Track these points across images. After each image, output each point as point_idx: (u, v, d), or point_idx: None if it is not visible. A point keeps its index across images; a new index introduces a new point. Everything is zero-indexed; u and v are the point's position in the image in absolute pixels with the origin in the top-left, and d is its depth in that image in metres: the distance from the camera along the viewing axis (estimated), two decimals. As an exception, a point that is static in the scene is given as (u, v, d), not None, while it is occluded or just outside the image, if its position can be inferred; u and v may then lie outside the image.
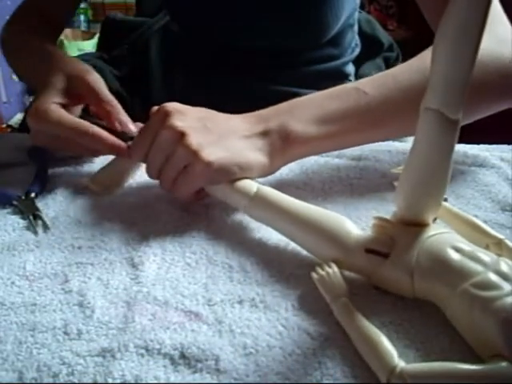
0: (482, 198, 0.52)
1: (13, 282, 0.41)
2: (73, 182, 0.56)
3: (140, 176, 0.56)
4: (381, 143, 0.62)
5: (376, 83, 0.52)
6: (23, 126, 0.84)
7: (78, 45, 2.61)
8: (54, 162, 0.59)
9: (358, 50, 0.82)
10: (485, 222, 0.43)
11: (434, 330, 0.36)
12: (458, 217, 0.43)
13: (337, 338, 0.35)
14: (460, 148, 0.61)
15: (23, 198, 0.52)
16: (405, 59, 0.55)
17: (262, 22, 0.71)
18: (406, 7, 2.47)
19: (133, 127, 0.55)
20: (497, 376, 0.30)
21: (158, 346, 0.35)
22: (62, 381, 0.33)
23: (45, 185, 0.55)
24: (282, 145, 0.49)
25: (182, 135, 0.46)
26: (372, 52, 0.86)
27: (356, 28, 0.81)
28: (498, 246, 0.40)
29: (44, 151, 0.59)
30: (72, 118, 0.54)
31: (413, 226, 0.39)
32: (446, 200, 0.44)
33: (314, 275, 0.38)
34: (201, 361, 0.34)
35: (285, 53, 0.74)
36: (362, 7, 0.83)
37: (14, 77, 2.11)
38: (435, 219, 0.41)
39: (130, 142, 0.53)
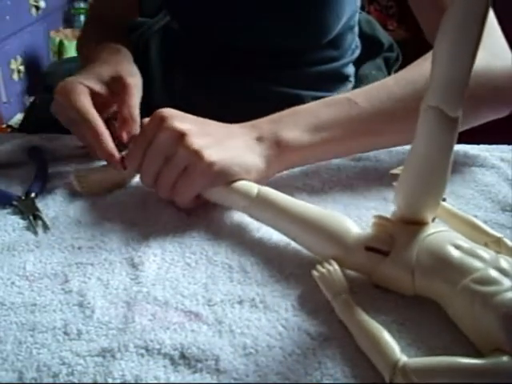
0: (482, 198, 0.52)
1: (13, 282, 0.41)
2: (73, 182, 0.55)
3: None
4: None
5: (368, 94, 0.53)
6: (23, 126, 0.84)
7: (78, 45, 2.60)
8: (54, 162, 0.59)
9: (358, 52, 0.82)
10: (485, 222, 0.44)
11: (436, 328, 0.36)
12: (457, 216, 0.43)
13: (337, 338, 0.35)
14: (460, 148, 0.61)
15: (23, 198, 0.52)
16: (405, 59, 0.55)
17: (262, 22, 0.71)
18: (406, 7, 2.45)
19: None
20: (498, 370, 0.31)
21: (157, 346, 0.35)
22: (61, 381, 0.33)
23: (45, 185, 0.55)
24: (277, 151, 0.50)
25: (182, 136, 0.46)
26: (372, 52, 0.86)
27: (356, 30, 0.81)
28: (497, 244, 0.40)
29: (44, 151, 0.59)
30: (89, 106, 0.54)
31: (412, 224, 0.39)
32: (444, 200, 0.44)
33: (315, 273, 0.38)
34: (201, 361, 0.34)
35: (285, 53, 0.74)
36: (362, 8, 0.82)
37: (14, 77, 2.11)
38: (434, 219, 0.41)
39: (124, 152, 0.52)
